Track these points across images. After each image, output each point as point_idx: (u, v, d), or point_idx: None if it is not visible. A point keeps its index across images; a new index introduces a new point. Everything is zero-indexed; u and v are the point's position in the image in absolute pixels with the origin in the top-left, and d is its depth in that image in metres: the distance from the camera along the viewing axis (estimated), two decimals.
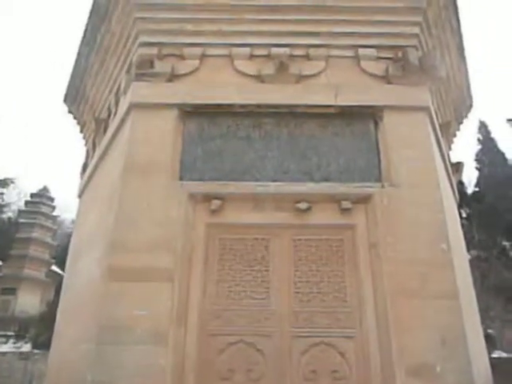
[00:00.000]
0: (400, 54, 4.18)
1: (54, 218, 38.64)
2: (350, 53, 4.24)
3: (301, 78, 4.11)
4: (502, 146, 30.52)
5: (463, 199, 28.85)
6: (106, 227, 3.74)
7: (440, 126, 5.11)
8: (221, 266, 3.54)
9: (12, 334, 23.89)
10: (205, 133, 3.96)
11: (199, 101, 3.99)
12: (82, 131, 6.47)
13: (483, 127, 30.86)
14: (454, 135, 6.60)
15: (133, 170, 3.75)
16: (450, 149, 6.25)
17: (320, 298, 3.46)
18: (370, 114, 4.03)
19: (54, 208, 38.42)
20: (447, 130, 5.44)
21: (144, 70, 4.11)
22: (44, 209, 36.62)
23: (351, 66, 4.21)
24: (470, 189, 30.81)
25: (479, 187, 29.67)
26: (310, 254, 3.59)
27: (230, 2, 4.23)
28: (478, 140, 30.93)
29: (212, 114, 4.02)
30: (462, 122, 6.61)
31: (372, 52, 4.22)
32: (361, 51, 4.21)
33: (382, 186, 3.70)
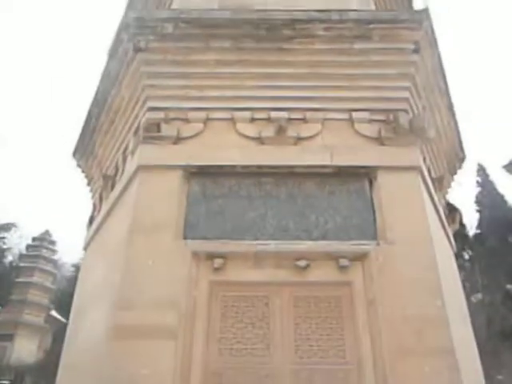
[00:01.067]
0: (391, 117, 4.45)
1: (55, 261, 38.55)
2: (344, 116, 4.51)
3: (298, 139, 4.36)
4: (501, 188, 30.89)
5: (465, 242, 28.90)
6: (112, 285, 3.88)
7: (433, 180, 5.34)
8: (223, 324, 3.65)
9: (7, 382, 23.32)
10: (208, 192, 4.18)
11: (203, 162, 4.23)
12: (89, 184, 6.71)
13: (481, 170, 31.32)
14: (449, 186, 6.83)
15: (138, 230, 3.93)
16: (445, 199, 6.46)
17: (320, 356, 3.55)
18: (364, 174, 4.25)
19: (55, 252, 38.40)
20: (441, 184, 5.65)
21: (151, 134, 4.37)
22: (45, 252, 36.60)
23: (346, 128, 4.47)
24: (472, 231, 30.90)
25: (481, 229, 29.77)
26: (310, 310, 3.70)
27: (232, 70, 4.55)
28: (477, 182, 31.32)
29: (215, 175, 4.24)
30: (455, 173, 6.86)
31: (365, 115, 4.49)
32: (355, 114, 4.49)
33: (378, 244, 3.87)
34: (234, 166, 4.22)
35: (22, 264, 35.16)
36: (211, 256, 3.83)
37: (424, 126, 4.44)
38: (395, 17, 4.70)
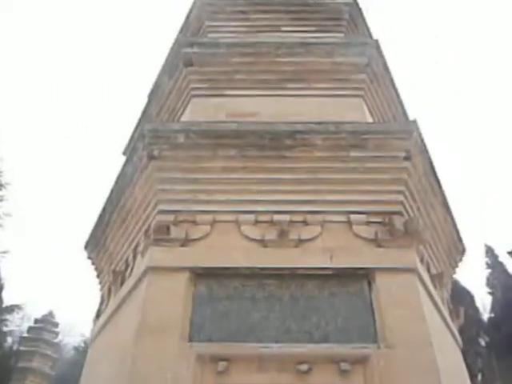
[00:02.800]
0: (387, 220, 4.73)
1: (56, 344, 37.48)
2: (343, 218, 4.79)
3: (299, 242, 4.61)
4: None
5: (480, 327, 27.90)
6: None
7: (433, 277, 5.48)
8: None
9: None
10: (213, 294, 4.36)
11: (209, 264, 4.46)
12: (98, 277, 6.91)
13: (490, 251, 31.06)
14: (451, 279, 6.93)
15: (145, 331, 4.07)
16: (448, 293, 6.54)
17: None
18: (363, 276, 4.44)
19: (57, 334, 37.48)
20: (441, 280, 5.78)
21: (161, 236, 4.66)
22: (46, 335, 35.74)
23: (344, 231, 4.73)
24: (486, 314, 29.94)
25: (494, 313, 28.86)
26: None
27: (237, 176, 4.94)
28: (487, 264, 30.91)
29: (220, 276, 4.45)
30: (457, 266, 7.00)
31: (362, 218, 4.78)
32: (352, 217, 4.77)
33: (378, 347, 3.95)
34: (238, 268, 4.44)
35: (22, 348, 34.18)
36: (215, 359, 3.92)
37: (418, 228, 4.70)
38: (387, 128, 5.17)
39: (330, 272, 4.44)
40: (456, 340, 5.85)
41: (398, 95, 7.28)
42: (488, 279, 30.42)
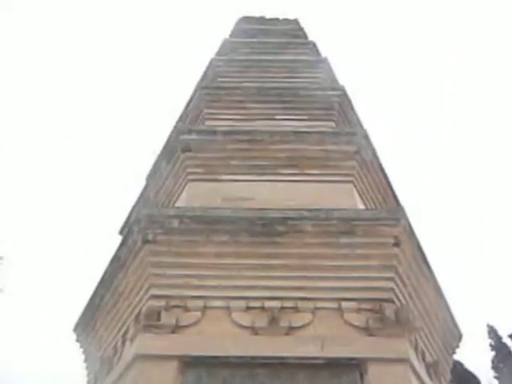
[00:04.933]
0: (378, 307, 4.74)
1: None
2: (334, 305, 4.80)
3: (290, 329, 4.58)
4: None
5: None
6: None
7: (428, 365, 5.37)
8: None
9: None
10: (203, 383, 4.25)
11: (198, 353, 4.40)
12: (85, 361, 6.70)
13: (493, 332, 30.12)
14: (449, 366, 6.74)
15: None
16: (446, 382, 6.33)
17: None
18: (355, 366, 4.37)
19: None
20: (436, 368, 5.63)
21: (151, 322, 4.63)
22: None
23: (336, 318, 4.72)
24: None
25: None
26: None
27: (229, 261, 5.01)
28: (491, 346, 29.84)
29: (210, 365, 4.37)
30: (454, 353, 6.83)
31: (354, 305, 4.78)
32: (344, 304, 4.78)
33: None
34: (228, 357, 4.37)
35: None
36: None
37: (410, 316, 4.70)
38: (375, 215, 5.34)
39: (321, 361, 4.37)
40: None
41: (387, 179, 7.56)
42: (493, 362, 29.20)
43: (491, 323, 31.09)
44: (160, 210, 5.53)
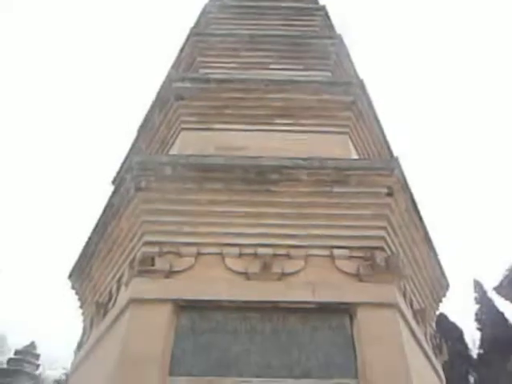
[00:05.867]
0: (369, 255, 4.81)
1: (37, 377, 36.19)
2: (326, 252, 4.86)
3: (283, 275, 4.66)
4: (500, 304, 30.26)
5: (469, 363, 27.61)
6: None
7: (415, 312, 5.53)
8: None
9: None
10: (196, 327, 4.36)
11: (192, 297, 4.48)
12: (81, 307, 6.84)
13: (478, 286, 31.04)
14: (435, 315, 6.97)
15: (126, 364, 4.04)
16: (431, 329, 6.55)
17: None
18: (345, 310, 4.48)
19: (38, 366, 36.21)
20: (423, 315, 5.81)
21: (145, 267, 4.68)
22: (27, 367, 34.43)
23: (327, 265, 4.79)
24: (475, 351, 29.66)
25: (484, 349, 28.60)
26: None
27: (223, 209, 5.01)
28: (475, 299, 30.84)
29: (203, 309, 4.46)
30: (441, 301, 7.04)
31: (345, 252, 4.85)
32: (335, 251, 4.85)
33: (358, 383, 3.96)
34: (221, 301, 4.46)
35: (0, 380, 32.97)
36: None
37: (399, 264, 4.78)
38: (369, 165, 5.31)
39: (312, 306, 4.47)
40: (439, 375, 5.84)
41: (382, 132, 7.49)
42: (477, 314, 30.27)
43: (477, 278, 32.08)
44: (153, 158, 5.47)
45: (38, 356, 36.21)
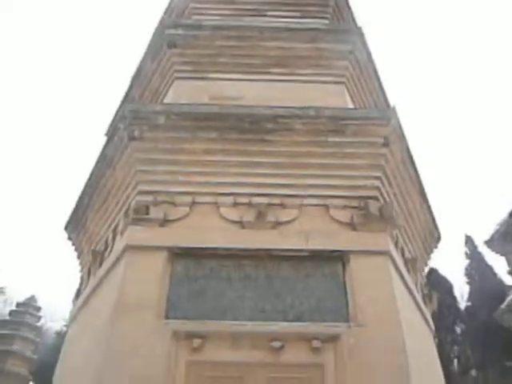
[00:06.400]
0: (363, 204, 4.83)
1: (39, 328, 37.27)
2: (320, 202, 4.88)
3: (277, 224, 4.69)
4: (490, 259, 31.00)
5: (457, 315, 28.56)
6: (95, 363, 4.01)
7: (407, 261, 5.63)
8: None
9: None
10: (191, 273, 4.43)
11: (187, 244, 4.53)
12: (79, 258, 6.92)
13: (469, 241, 31.62)
14: (426, 265, 7.11)
15: (123, 309, 4.13)
16: (422, 278, 6.71)
17: None
18: (337, 258, 4.55)
19: (39, 318, 37.23)
20: (415, 264, 5.93)
21: (140, 216, 4.70)
22: (29, 319, 35.46)
23: (321, 214, 4.82)
24: (463, 304, 30.64)
25: (471, 302, 29.52)
26: None
27: (217, 158, 4.98)
28: (466, 254, 31.51)
29: (198, 256, 4.53)
30: (432, 252, 7.17)
31: (339, 202, 4.87)
32: (330, 201, 4.87)
33: (349, 327, 4.08)
34: (215, 249, 4.51)
35: (3, 331, 33.93)
36: (190, 336, 4.00)
37: (393, 213, 4.81)
38: (366, 114, 5.25)
39: (305, 254, 4.54)
40: (428, 323, 6.02)
41: (380, 83, 7.36)
42: (466, 269, 31.01)
43: (469, 233, 32.62)
44: (146, 107, 5.36)
45: (39, 308, 37.22)
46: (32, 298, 36.97)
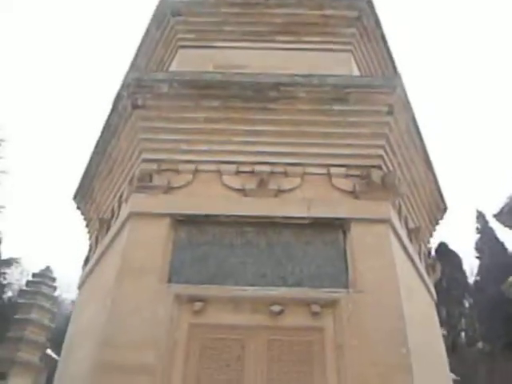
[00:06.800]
0: (366, 173, 4.82)
1: (55, 298, 38.32)
2: (322, 171, 4.89)
3: (279, 192, 4.72)
4: (501, 234, 30.86)
5: (466, 289, 28.67)
6: (99, 324, 4.15)
7: (409, 230, 5.64)
8: (200, 365, 3.87)
9: None
10: (193, 239, 4.51)
11: (190, 211, 4.59)
12: (87, 226, 7.06)
13: (481, 217, 31.48)
14: (430, 236, 7.11)
15: (127, 273, 4.24)
16: (426, 248, 6.72)
17: None
18: (338, 225, 4.58)
19: (55, 288, 38.23)
20: (417, 234, 5.93)
21: (144, 183, 4.76)
22: (45, 289, 36.43)
23: (324, 182, 4.83)
24: (472, 278, 30.73)
25: (480, 276, 29.60)
26: (283, 354, 3.93)
27: (220, 127, 4.98)
28: (477, 229, 31.41)
29: (201, 223, 4.59)
30: (437, 223, 7.15)
31: (342, 170, 4.87)
32: (332, 170, 4.87)
33: (348, 292, 4.15)
34: (218, 216, 4.57)
35: (20, 300, 34.98)
36: (192, 299, 4.11)
37: (395, 182, 4.81)
38: (370, 82, 5.17)
39: (306, 221, 4.57)
40: (430, 292, 6.07)
41: (389, 51, 7.20)
42: (477, 244, 31.00)
43: (480, 208, 32.43)
44: (149, 75, 5.34)
45: (54, 279, 38.18)
46: (47, 269, 37.92)
